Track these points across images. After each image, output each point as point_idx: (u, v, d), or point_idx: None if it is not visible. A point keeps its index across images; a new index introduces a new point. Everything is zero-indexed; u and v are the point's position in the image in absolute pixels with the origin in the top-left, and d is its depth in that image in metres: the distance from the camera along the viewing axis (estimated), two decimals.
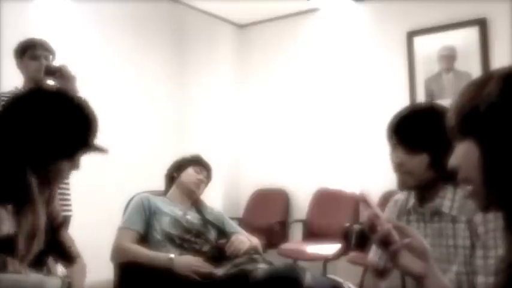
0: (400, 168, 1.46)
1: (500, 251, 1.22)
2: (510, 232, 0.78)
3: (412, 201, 1.51)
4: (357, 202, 4.20)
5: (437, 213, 1.43)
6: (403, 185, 1.49)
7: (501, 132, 0.75)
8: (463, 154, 0.81)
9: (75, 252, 1.52)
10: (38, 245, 1.31)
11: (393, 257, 0.87)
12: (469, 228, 1.35)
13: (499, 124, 0.75)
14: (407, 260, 0.87)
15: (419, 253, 0.88)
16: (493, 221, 1.27)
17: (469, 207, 1.34)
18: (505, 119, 0.74)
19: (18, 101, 1.34)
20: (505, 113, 0.74)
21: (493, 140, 0.76)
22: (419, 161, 1.41)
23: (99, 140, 1.38)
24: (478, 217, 1.31)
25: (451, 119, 0.83)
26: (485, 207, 0.83)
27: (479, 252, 1.29)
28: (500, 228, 1.18)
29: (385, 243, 0.88)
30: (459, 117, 0.81)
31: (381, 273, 0.90)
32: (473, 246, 1.33)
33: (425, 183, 1.43)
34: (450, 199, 1.41)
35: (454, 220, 1.39)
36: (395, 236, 0.88)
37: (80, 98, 1.40)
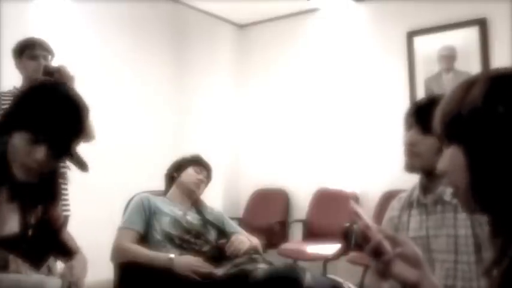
0: (410, 149, 1.50)
1: None
2: (496, 236, 0.78)
3: (416, 193, 1.54)
4: (356, 202, 4.21)
5: (439, 202, 1.45)
6: (410, 167, 1.52)
7: (485, 138, 0.74)
8: (449, 159, 0.81)
9: (74, 247, 1.52)
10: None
11: (386, 267, 0.88)
12: (471, 218, 1.37)
13: (482, 129, 0.74)
14: (401, 268, 0.87)
15: (413, 261, 0.88)
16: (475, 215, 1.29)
17: None
18: (488, 124, 0.74)
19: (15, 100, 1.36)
20: (488, 118, 0.73)
21: (477, 146, 0.75)
22: (431, 143, 1.44)
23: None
24: None
25: (437, 124, 0.83)
26: (472, 211, 0.84)
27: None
28: None
29: (377, 253, 0.88)
30: (445, 122, 0.81)
31: (383, 273, 0.90)
32: (476, 236, 1.34)
33: (430, 169, 1.45)
34: None
35: (455, 210, 1.41)
36: (387, 246, 0.88)
37: (68, 89, 1.41)
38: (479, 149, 0.75)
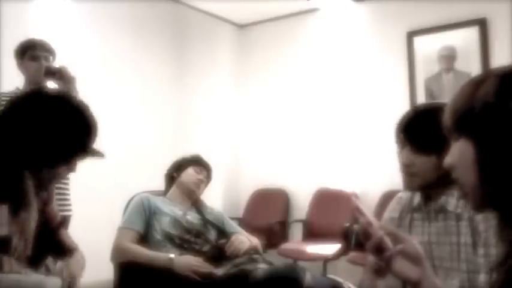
0: (407, 169, 1.43)
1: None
2: (504, 232, 0.78)
3: (417, 199, 1.51)
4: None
5: (442, 211, 1.42)
6: (409, 187, 1.47)
7: (496, 132, 0.75)
8: (458, 153, 0.81)
9: (72, 245, 1.52)
10: (28, 246, 1.32)
11: (387, 263, 0.88)
12: (471, 225, 1.35)
13: (494, 124, 0.75)
14: (402, 265, 0.87)
15: (414, 258, 0.88)
16: (494, 218, 1.27)
17: None
18: (500, 119, 0.74)
19: (17, 103, 1.34)
20: (500, 113, 0.74)
21: (488, 140, 0.76)
22: (427, 162, 1.38)
23: (98, 142, 1.39)
24: (480, 215, 1.31)
25: (447, 118, 0.83)
26: (479, 207, 0.83)
27: (480, 251, 1.30)
28: None
29: (379, 250, 0.88)
30: (455, 116, 0.81)
31: (379, 271, 0.90)
32: (474, 244, 1.33)
33: (430, 184, 1.41)
34: (456, 197, 1.39)
35: (458, 218, 1.39)
36: (389, 243, 0.88)
37: (79, 102, 1.40)
38: (489, 143, 0.75)
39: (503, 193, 0.75)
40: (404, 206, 1.55)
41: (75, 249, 1.51)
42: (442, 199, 1.42)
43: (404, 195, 1.59)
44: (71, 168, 1.35)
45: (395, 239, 0.89)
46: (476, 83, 0.79)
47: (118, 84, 4.24)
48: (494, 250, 1.26)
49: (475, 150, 0.77)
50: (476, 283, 1.29)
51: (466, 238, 1.36)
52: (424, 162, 1.39)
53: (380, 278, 0.90)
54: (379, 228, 0.89)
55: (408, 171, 1.43)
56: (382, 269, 0.89)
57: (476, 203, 0.82)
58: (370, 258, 0.91)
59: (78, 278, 1.40)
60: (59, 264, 1.39)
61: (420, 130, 1.41)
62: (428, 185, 1.42)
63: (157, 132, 4.55)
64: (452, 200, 1.40)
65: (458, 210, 1.38)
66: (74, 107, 1.35)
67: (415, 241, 0.90)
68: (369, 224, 0.89)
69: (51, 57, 2.68)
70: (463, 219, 1.38)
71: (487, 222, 1.29)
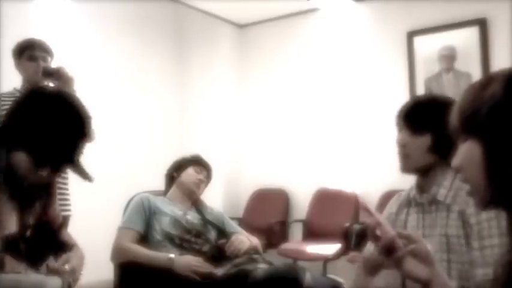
0: (402, 150, 1.53)
1: (495, 240, 1.27)
2: None
3: (413, 192, 1.56)
4: (357, 202, 4.21)
5: (434, 203, 1.47)
6: (403, 168, 1.55)
7: (504, 133, 0.75)
8: (465, 154, 0.81)
9: (71, 242, 1.52)
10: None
11: (398, 264, 0.88)
12: (462, 218, 1.38)
13: (502, 124, 0.75)
14: (412, 265, 0.87)
15: (424, 258, 0.88)
16: (485, 211, 1.29)
17: (462, 198, 1.38)
18: (507, 119, 0.75)
19: (19, 103, 1.35)
20: (507, 113, 0.75)
21: (495, 140, 0.76)
22: (421, 143, 1.47)
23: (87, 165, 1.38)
24: (471, 208, 1.35)
25: (454, 120, 0.84)
26: (486, 206, 0.84)
27: (475, 244, 1.32)
28: (493, 217, 1.26)
29: (390, 250, 0.88)
30: (462, 117, 0.82)
31: (371, 269, 0.90)
32: (467, 237, 1.36)
33: (424, 167, 1.48)
34: (446, 188, 1.45)
35: (448, 209, 1.43)
36: (400, 243, 0.88)
37: (74, 100, 1.40)
38: (497, 143, 0.76)
39: (511, 193, 0.75)
40: (402, 201, 1.60)
41: (75, 245, 1.51)
42: (433, 189, 1.47)
43: (403, 193, 1.63)
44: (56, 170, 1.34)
45: (406, 239, 0.89)
46: (483, 85, 0.80)
47: (118, 85, 4.24)
48: (487, 241, 1.29)
49: (482, 150, 0.78)
50: (471, 277, 1.31)
51: (457, 230, 1.39)
52: (419, 145, 1.48)
53: (372, 276, 0.90)
54: (390, 228, 0.89)
55: (403, 152, 1.53)
56: (374, 267, 0.89)
57: (484, 202, 0.82)
58: (363, 256, 0.91)
59: (79, 271, 1.40)
60: (61, 258, 1.39)
61: (415, 113, 1.54)
62: (422, 169, 1.50)
63: (157, 132, 4.55)
64: (442, 190, 1.45)
65: (448, 201, 1.43)
66: (69, 104, 1.34)
67: (425, 241, 0.91)
68: (378, 223, 0.89)
69: (49, 58, 2.67)
70: (453, 211, 1.42)
71: (478, 216, 1.33)
